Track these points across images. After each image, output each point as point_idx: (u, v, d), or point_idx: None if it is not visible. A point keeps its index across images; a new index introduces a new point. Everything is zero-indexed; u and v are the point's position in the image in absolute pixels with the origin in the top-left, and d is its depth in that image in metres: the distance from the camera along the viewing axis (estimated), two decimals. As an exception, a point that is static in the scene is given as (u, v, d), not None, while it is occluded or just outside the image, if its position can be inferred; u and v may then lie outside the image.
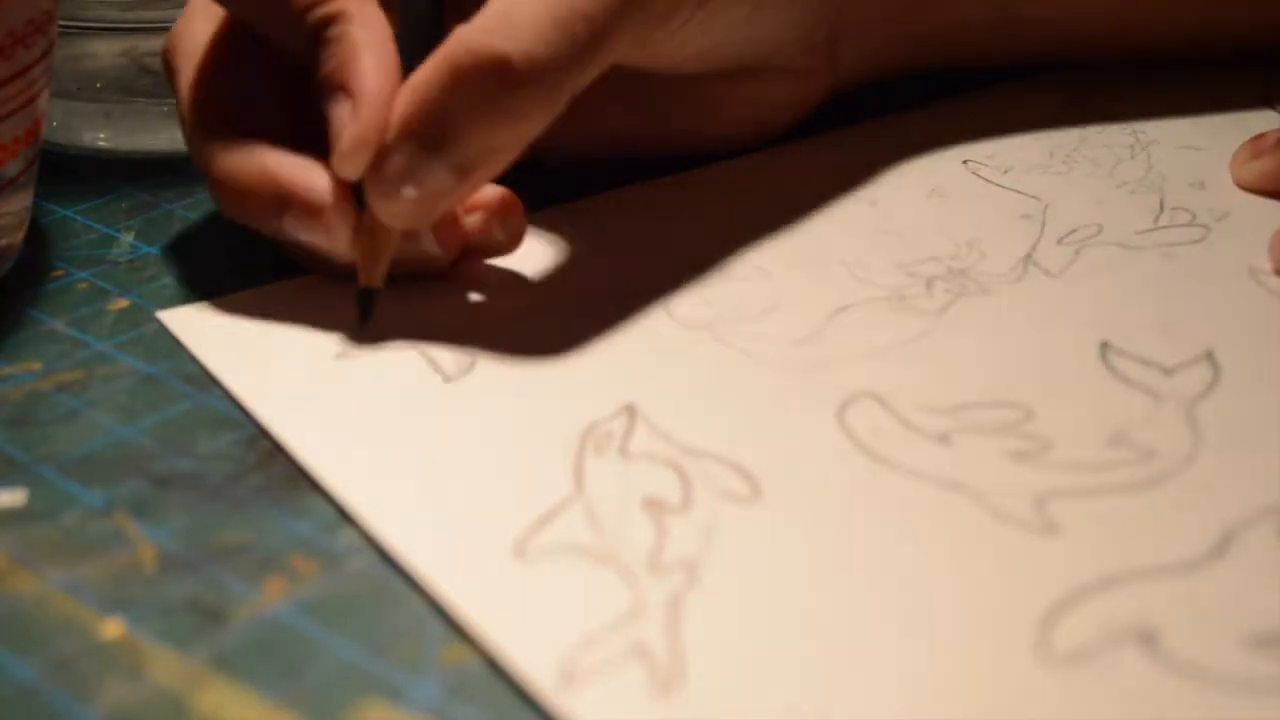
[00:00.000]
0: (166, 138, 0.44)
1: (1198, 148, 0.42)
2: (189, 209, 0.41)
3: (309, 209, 0.34)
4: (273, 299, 0.36)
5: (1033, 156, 0.42)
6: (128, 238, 0.40)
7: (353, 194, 0.34)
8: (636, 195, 0.40)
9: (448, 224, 0.35)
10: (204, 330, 0.35)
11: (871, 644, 0.25)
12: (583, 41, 0.32)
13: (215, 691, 0.25)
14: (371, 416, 0.32)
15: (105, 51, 0.45)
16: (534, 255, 0.37)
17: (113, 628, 0.27)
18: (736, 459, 0.30)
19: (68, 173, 0.43)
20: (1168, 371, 0.32)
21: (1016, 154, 0.42)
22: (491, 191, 0.35)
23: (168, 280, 0.38)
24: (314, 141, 0.34)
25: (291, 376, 0.33)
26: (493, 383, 0.33)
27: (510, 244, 0.36)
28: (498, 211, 0.35)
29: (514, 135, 0.32)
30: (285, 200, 0.34)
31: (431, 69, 0.32)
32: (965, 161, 0.42)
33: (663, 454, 0.30)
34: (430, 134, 0.32)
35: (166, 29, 0.44)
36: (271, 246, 0.36)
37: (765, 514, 0.28)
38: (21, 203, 0.37)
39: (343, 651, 0.26)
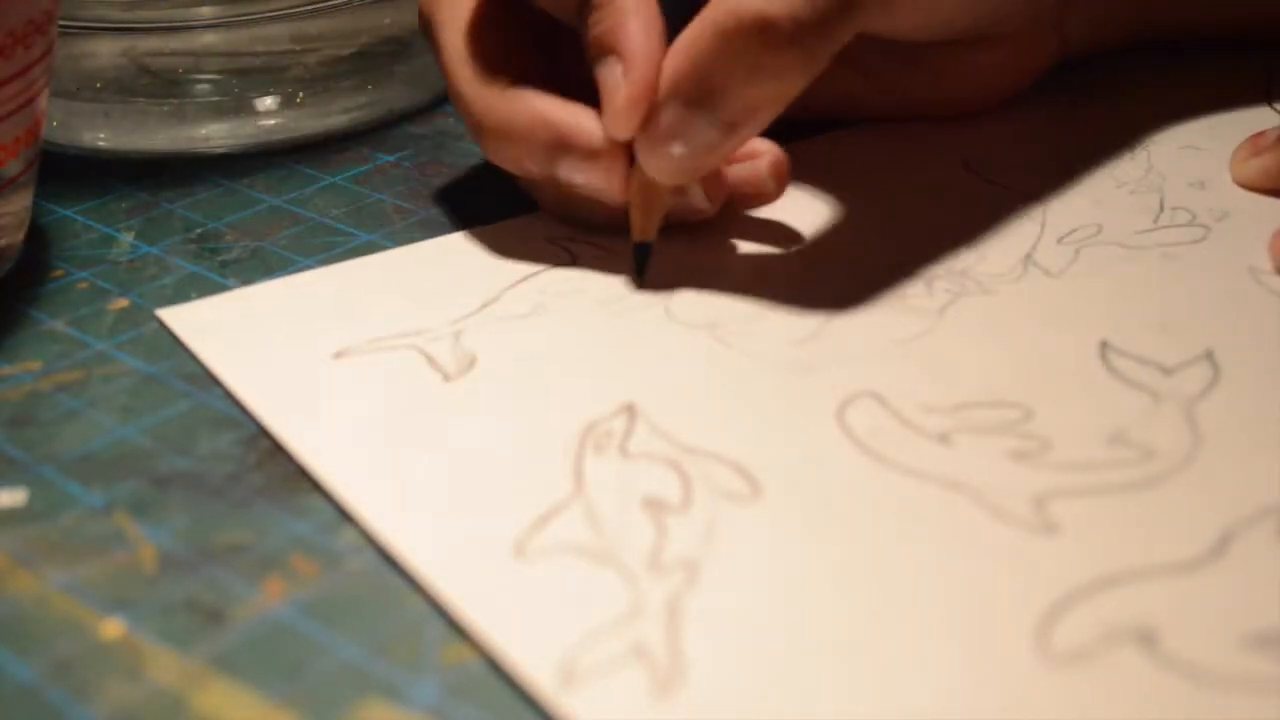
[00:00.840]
0: (166, 138, 0.44)
1: (1198, 148, 0.42)
2: (189, 209, 0.41)
3: (587, 151, 0.35)
4: (272, 297, 0.36)
5: (1033, 157, 0.42)
6: (128, 238, 0.40)
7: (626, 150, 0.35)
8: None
9: (715, 177, 0.37)
10: (204, 328, 0.35)
11: (871, 643, 0.25)
12: (841, 2, 0.33)
13: (215, 691, 0.25)
14: (371, 416, 0.32)
15: (105, 51, 0.45)
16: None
17: (113, 628, 0.27)
18: (736, 458, 0.30)
19: (68, 173, 0.43)
20: (1167, 371, 0.32)
21: (1017, 154, 0.42)
22: (762, 145, 0.37)
23: (168, 280, 0.37)
24: (570, 94, 0.36)
25: (291, 375, 0.33)
26: (493, 381, 0.33)
27: (776, 194, 0.38)
28: (772, 164, 0.37)
29: (777, 93, 0.34)
30: (563, 143, 0.35)
31: (698, 31, 0.33)
32: (966, 162, 0.42)
33: (663, 453, 0.30)
34: (697, 93, 0.33)
35: (166, 29, 0.44)
36: (271, 248, 0.36)
37: (765, 513, 0.28)
38: (21, 203, 0.37)
39: (343, 651, 0.26)
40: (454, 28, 0.37)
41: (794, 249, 0.38)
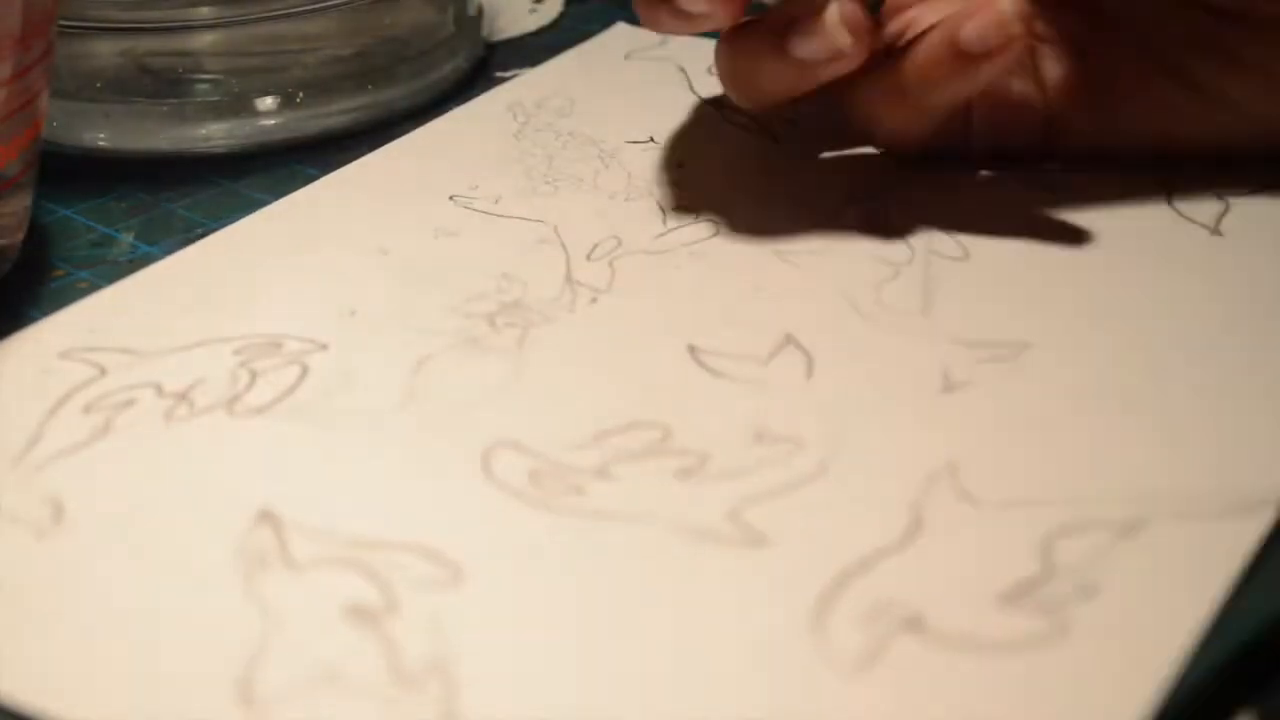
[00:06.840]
0: (166, 138, 0.44)
1: (655, 144, 0.42)
2: (189, 209, 0.41)
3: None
4: None
5: (514, 182, 0.40)
6: (128, 238, 0.40)
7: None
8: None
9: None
10: None
11: (645, 690, 0.24)
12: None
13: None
14: None
15: (105, 51, 0.45)
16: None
17: (112, 628, 0.27)
18: (414, 541, 0.27)
19: (68, 173, 0.43)
20: (762, 361, 0.32)
21: (498, 182, 0.40)
22: None
23: (168, 280, 0.38)
24: None
25: None
26: (96, 525, 0.28)
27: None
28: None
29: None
30: (787, 23, 0.35)
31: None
32: (452, 197, 0.40)
33: (334, 556, 0.27)
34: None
35: (166, 29, 0.44)
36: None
37: (478, 594, 0.26)
38: (21, 203, 0.37)
39: (342, 651, 0.26)
40: None
41: None
